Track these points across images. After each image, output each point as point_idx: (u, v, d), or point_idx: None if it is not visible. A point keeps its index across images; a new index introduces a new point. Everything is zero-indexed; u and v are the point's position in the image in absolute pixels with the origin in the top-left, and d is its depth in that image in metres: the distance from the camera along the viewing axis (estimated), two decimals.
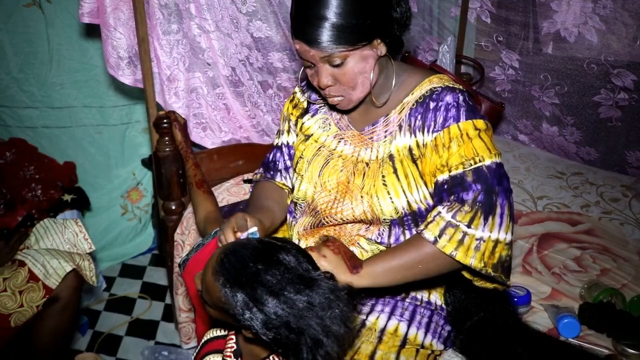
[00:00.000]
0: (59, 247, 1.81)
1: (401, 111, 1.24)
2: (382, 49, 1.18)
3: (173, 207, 2.01)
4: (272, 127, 2.27)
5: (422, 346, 1.24)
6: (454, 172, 1.14)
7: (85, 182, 2.55)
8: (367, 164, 1.27)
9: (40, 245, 1.79)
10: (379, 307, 1.29)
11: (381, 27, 1.14)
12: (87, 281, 1.76)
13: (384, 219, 1.23)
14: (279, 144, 1.51)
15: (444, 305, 1.34)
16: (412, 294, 1.33)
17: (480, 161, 1.13)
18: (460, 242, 1.09)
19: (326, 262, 1.09)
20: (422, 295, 1.33)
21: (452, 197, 1.13)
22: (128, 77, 1.90)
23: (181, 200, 2.02)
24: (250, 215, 1.22)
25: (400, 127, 1.23)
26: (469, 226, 1.09)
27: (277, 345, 0.90)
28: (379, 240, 1.26)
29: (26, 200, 2.20)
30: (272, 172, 1.51)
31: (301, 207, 1.40)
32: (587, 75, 2.42)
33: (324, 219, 1.31)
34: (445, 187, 1.15)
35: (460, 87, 1.21)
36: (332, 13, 1.07)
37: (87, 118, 2.52)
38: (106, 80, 2.45)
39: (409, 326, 1.26)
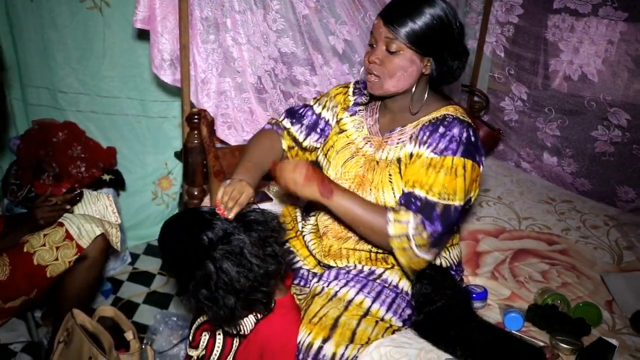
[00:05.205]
0: (92, 214, 2.04)
1: (416, 127, 1.50)
2: (427, 69, 1.45)
3: (195, 193, 2.23)
4: None
5: (382, 319, 1.45)
6: (430, 197, 1.39)
7: (122, 166, 2.78)
8: (378, 162, 1.53)
9: (77, 211, 2.04)
10: (351, 283, 1.52)
11: (437, 53, 1.42)
12: (112, 246, 1.98)
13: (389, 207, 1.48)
14: (314, 106, 1.73)
15: (409, 292, 1.54)
16: (385, 276, 1.55)
17: (452, 201, 1.39)
18: (404, 250, 1.39)
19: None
20: (393, 279, 1.55)
21: (420, 216, 1.38)
22: (169, 76, 2.17)
23: (203, 187, 2.25)
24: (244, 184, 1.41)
25: (410, 138, 1.49)
26: (417, 247, 1.37)
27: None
28: None
29: (71, 175, 2.45)
30: (293, 120, 1.71)
31: None
32: (586, 112, 2.57)
33: None
34: (419, 204, 1.40)
35: (469, 120, 1.47)
36: (415, 20, 1.37)
37: (129, 108, 2.73)
38: (149, 77, 2.66)
39: (373, 302, 1.47)
